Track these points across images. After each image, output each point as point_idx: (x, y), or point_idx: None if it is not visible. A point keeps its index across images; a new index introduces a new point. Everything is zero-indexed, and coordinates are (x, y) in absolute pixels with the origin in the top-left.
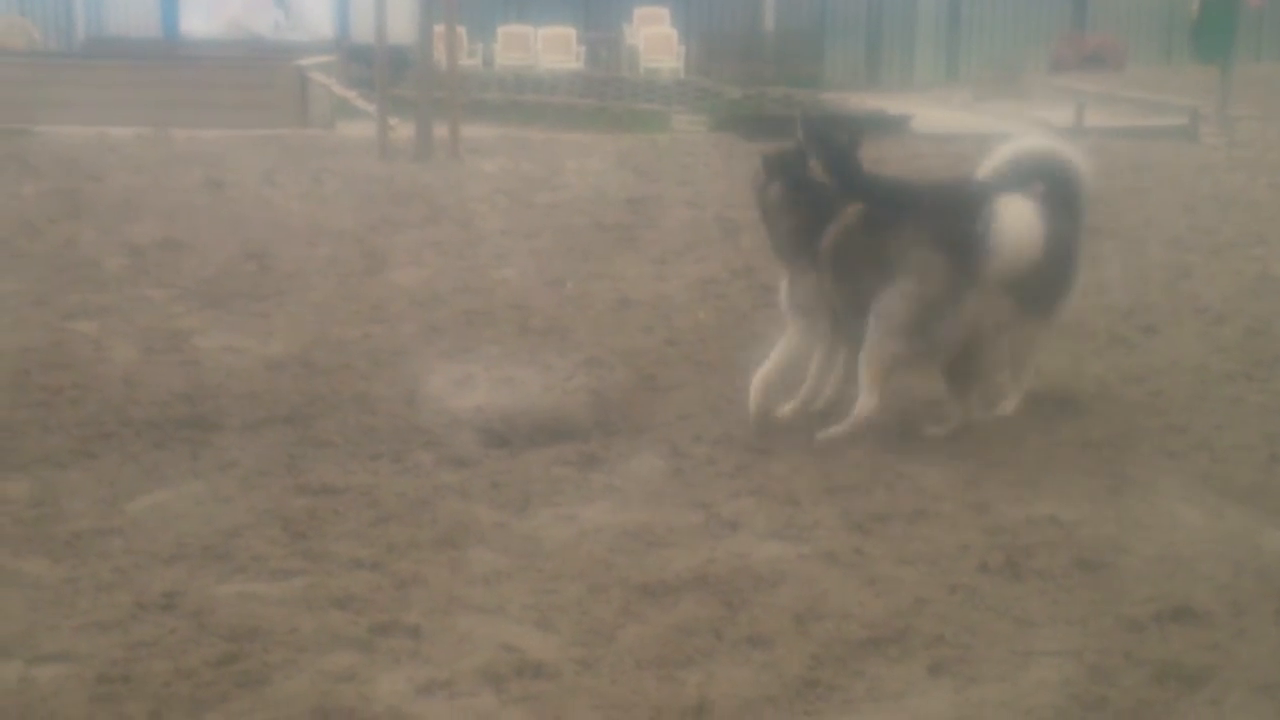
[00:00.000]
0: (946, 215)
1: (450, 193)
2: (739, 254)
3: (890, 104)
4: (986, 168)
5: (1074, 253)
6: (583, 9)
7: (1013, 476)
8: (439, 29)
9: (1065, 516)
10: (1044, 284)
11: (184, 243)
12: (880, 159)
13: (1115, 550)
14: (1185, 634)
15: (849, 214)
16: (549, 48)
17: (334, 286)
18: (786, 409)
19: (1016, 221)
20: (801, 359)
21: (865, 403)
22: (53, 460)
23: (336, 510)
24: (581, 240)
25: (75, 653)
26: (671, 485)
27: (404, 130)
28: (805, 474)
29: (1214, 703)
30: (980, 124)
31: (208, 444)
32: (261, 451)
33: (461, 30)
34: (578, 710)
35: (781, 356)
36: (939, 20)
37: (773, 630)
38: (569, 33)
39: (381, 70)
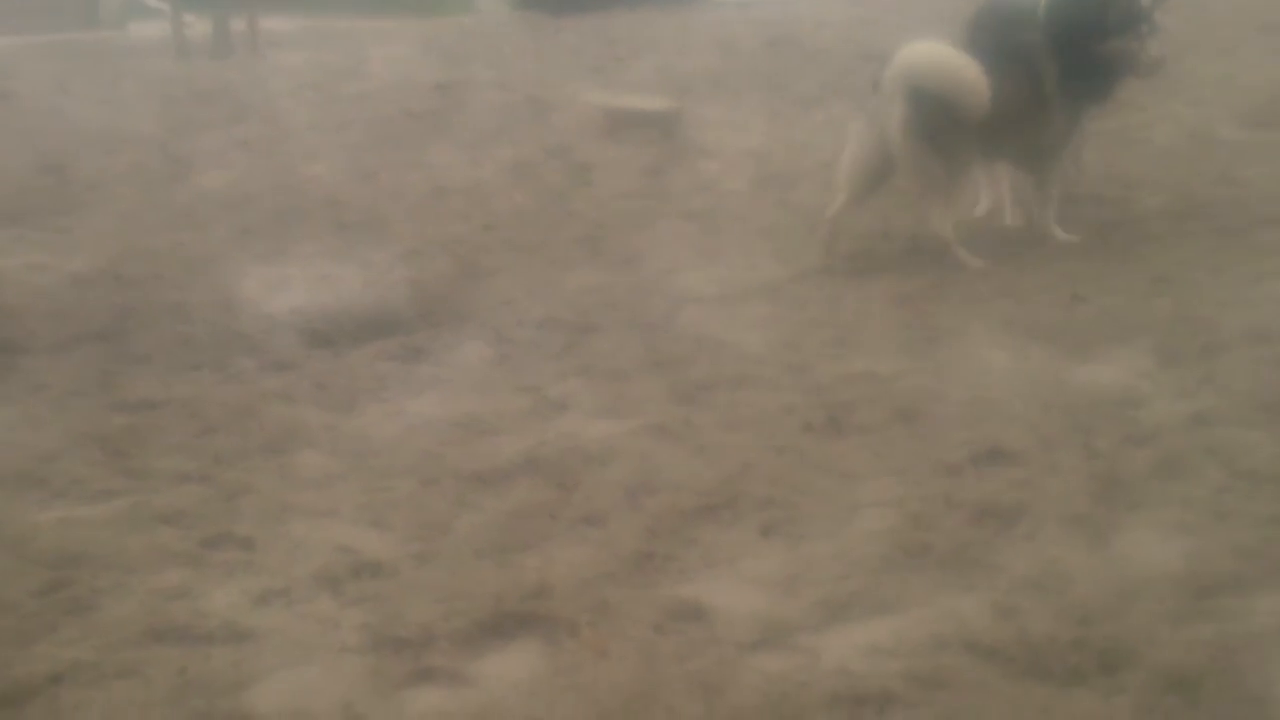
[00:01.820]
0: None
1: (253, 89)
2: (553, 133)
3: None
4: None
5: None
6: None
7: (830, 336)
8: None
9: (882, 370)
10: None
11: None
12: (686, 27)
13: (930, 399)
14: (999, 474)
15: None
16: None
17: (139, 195)
18: None
19: None
20: None
21: None
22: None
23: (157, 425)
24: (392, 130)
25: None
26: (498, 371)
27: (200, 27)
28: (630, 350)
29: (1028, 537)
30: None
31: (15, 367)
32: (74, 371)
33: None
34: (418, 605)
35: None
36: None
37: (606, 507)
38: None
39: None
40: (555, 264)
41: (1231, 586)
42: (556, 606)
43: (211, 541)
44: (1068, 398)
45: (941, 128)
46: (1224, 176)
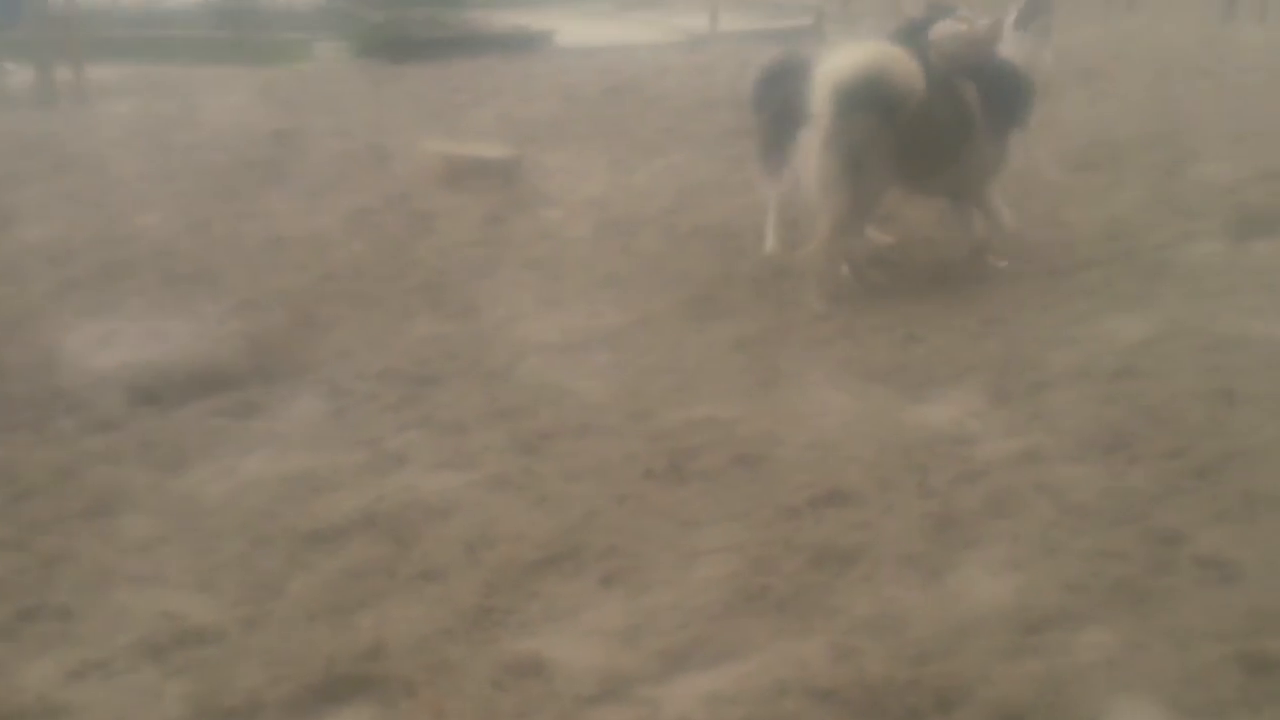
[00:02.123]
0: None
1: (80, 139)
2: (393, 182)
3: (534, 19)
4: None
5: None
6: None
7: (673, 382)
8: None
9: (723, 415)
10: None
11: None
12: (528, 74)
13: (771, 442)
14: (838, 516)
15: None
16: None
17: None
18: None
19: None
20: None
21: None
22: None
23: None
24: (227, 179)
25: None
26: (335, 425)
27: (22, 75)
28: (471, 400)
29: (866, 579)
30: (623, 34)
31: None
32: None
33: None
34: (245, 671)
35: None
36: None
37: (445, 562)
38: None
39: None
40: (395, 314)
41: (1059, 621)
42: (392, 667)
43: (26, 613)
44: (904, 438)
45: (864, 144)
46: (1051, 218)
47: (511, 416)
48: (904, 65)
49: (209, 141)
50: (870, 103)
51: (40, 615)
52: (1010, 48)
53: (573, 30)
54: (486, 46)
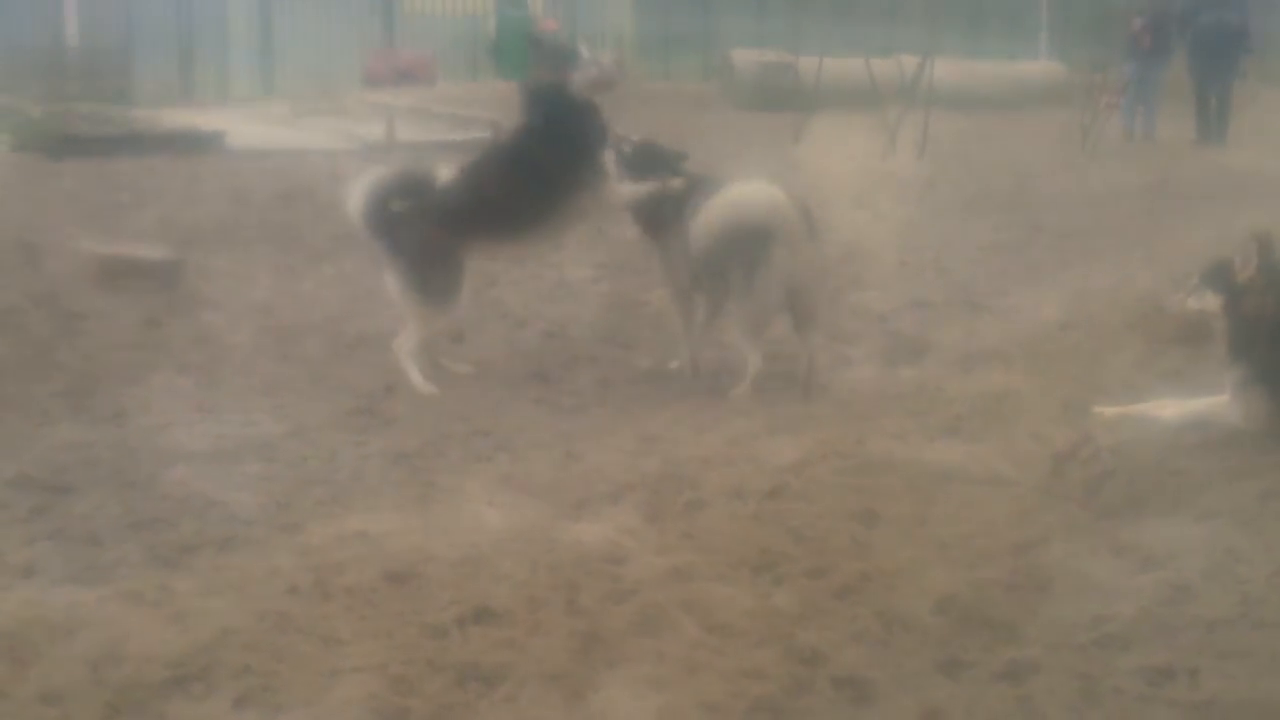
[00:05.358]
0: None
1: None
2: (42, 280)
3: (205, 120)
4: None
5: None
6: None
7: (325, 494)
8: None
9: (374, 529)
10: None
11: None
12: (196, 176)
13: (422, 558)
14: (484, 634)
15: None
16: None
17: None
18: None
19: None
20: None
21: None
22: None
23: None
24: None
25: None
26: None
27: None
28: (109, 511)
29: (509, 699)
30: (297, 139)
31: None
32: None
33: None
34: None
35: None
36: (251, 33)
37: (66, 682)
38: None
39: None
40: (31, 419)
41: None
42: None
43: None
44: (557, 555)
45: None
46: (713, 340)
47: (151, 528)
48: None
49: None
50: None
51: None
52: None
53: (245, 132)
54: (153, 145)
